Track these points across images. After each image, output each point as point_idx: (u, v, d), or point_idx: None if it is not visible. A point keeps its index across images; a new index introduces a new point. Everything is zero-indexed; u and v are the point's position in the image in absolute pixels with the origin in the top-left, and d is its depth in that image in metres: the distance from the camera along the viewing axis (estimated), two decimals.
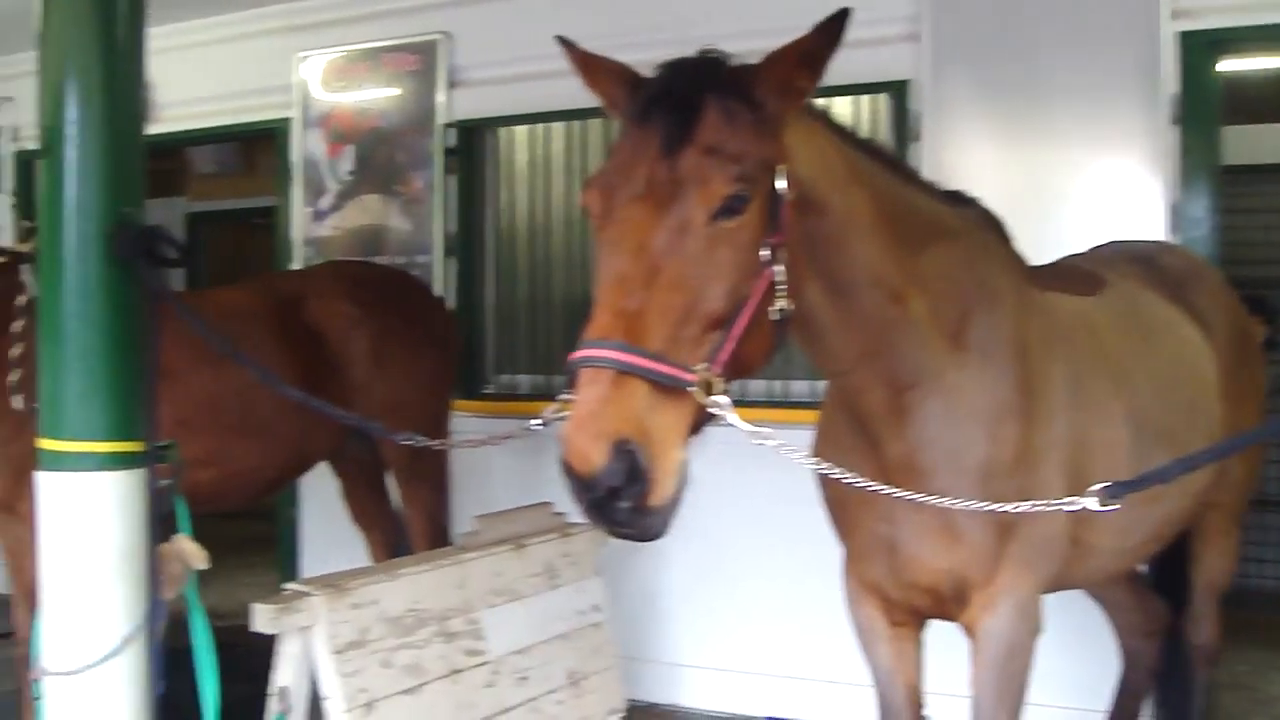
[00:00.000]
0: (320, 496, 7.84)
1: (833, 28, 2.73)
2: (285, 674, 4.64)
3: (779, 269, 2.71)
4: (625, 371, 2.47)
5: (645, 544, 2.63)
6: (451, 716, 5.02)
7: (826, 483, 3.73)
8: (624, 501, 2.46)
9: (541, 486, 6.88)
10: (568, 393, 2.59)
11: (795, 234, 2.80)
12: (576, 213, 7.39)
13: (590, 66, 3.02)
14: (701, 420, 2.61)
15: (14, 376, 5.03)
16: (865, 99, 6.55)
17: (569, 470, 2.47)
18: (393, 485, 6.82)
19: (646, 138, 2.67)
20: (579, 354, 2.53)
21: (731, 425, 2.62)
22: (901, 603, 3.76)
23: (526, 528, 5.73)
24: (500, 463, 7.34)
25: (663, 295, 2.55)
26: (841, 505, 3.73)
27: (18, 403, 4.97)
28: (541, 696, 5.47)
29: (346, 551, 7.00)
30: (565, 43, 3.10)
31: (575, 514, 5.68)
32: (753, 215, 2.66)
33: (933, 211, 3.49)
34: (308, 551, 8.57)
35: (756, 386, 6.72)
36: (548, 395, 7.27)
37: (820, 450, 3.72)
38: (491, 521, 5.59)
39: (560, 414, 2.69)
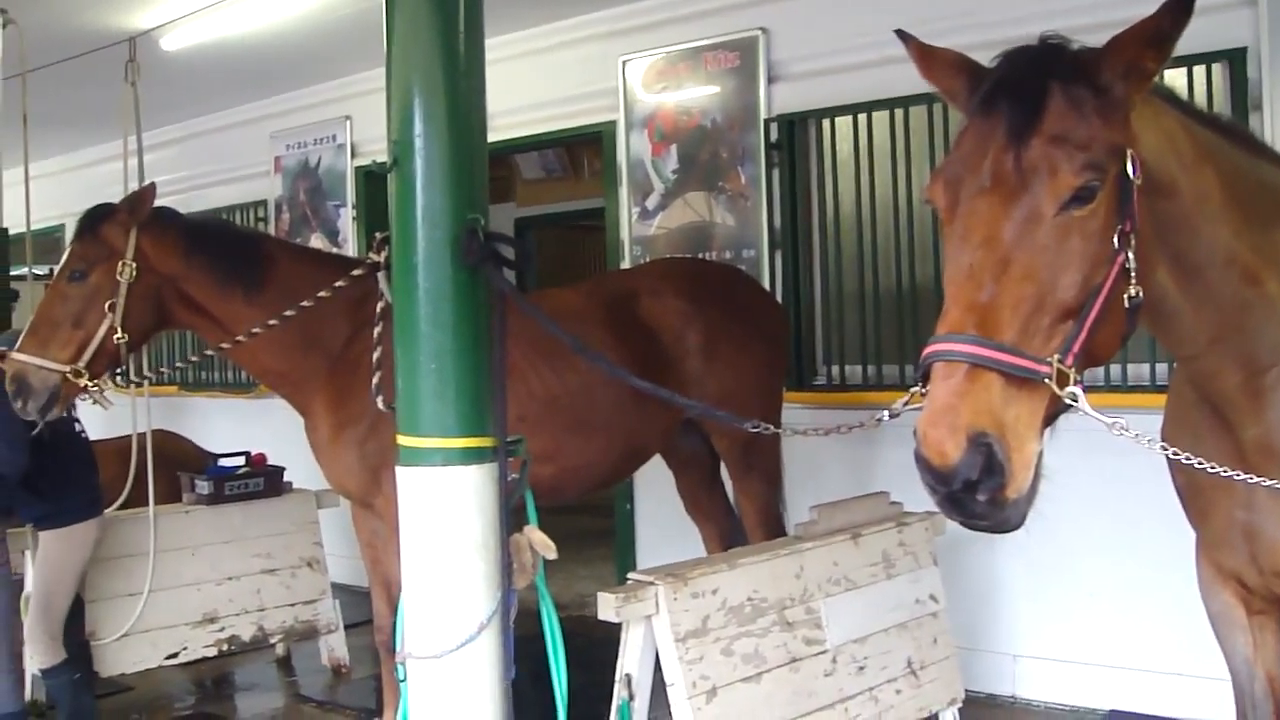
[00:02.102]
0: (655, 490, 8.01)
1: (1181, 5, 2.64)
2: (630, 661, 4.77)
3: (1130, 255, 2.65)
4: (979, 365, 2.46)
5: (997, 535, 2.60)
6: (790, 704, 5.07)
7: (1178, 468, 3.60)
8: (981, 495, 2.44)
9: (874, 476, 6.88)
10: (919, 385, 2.60)
11: (1143, 219, 2.72)
12: (902, 201, 7.33)
13: (928, 58, 2.99)
14: (1055, 412, 2.57)
15: (376, 379, 5.28)
16: (1199, 69, 6.28)
17: (925, 464, 2.46)
18: (726, 478, 6.90)
19: (990, 129, 2.64)
20: (932, 348, 2.53)
21: (1087, 415, 2.58)
22: (1261, 590, 3.61)
23: (863, 517, 5.74)
24: (833, 453, 7.34)
25: (1014, 287, 2.53)
26: (1195, 490, 3.60)
27: (379, 404, 5.21)
28: (880, 686, 5.46)
29: (681, 544, 7.13)
30: (903, 35, 3.08)
31: (911, 503, 5.67)
32: (1103, 203, 2.61)
33: None
34: (643, 544, 8.75)
35: (1094, 370, 6.54)
36: (878, 386, 7.26)
37: (1170, 435, 3.60)
38: (829, 511, 5.61)
39: (912, 406, 2.69)
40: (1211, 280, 3.06)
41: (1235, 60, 6.18)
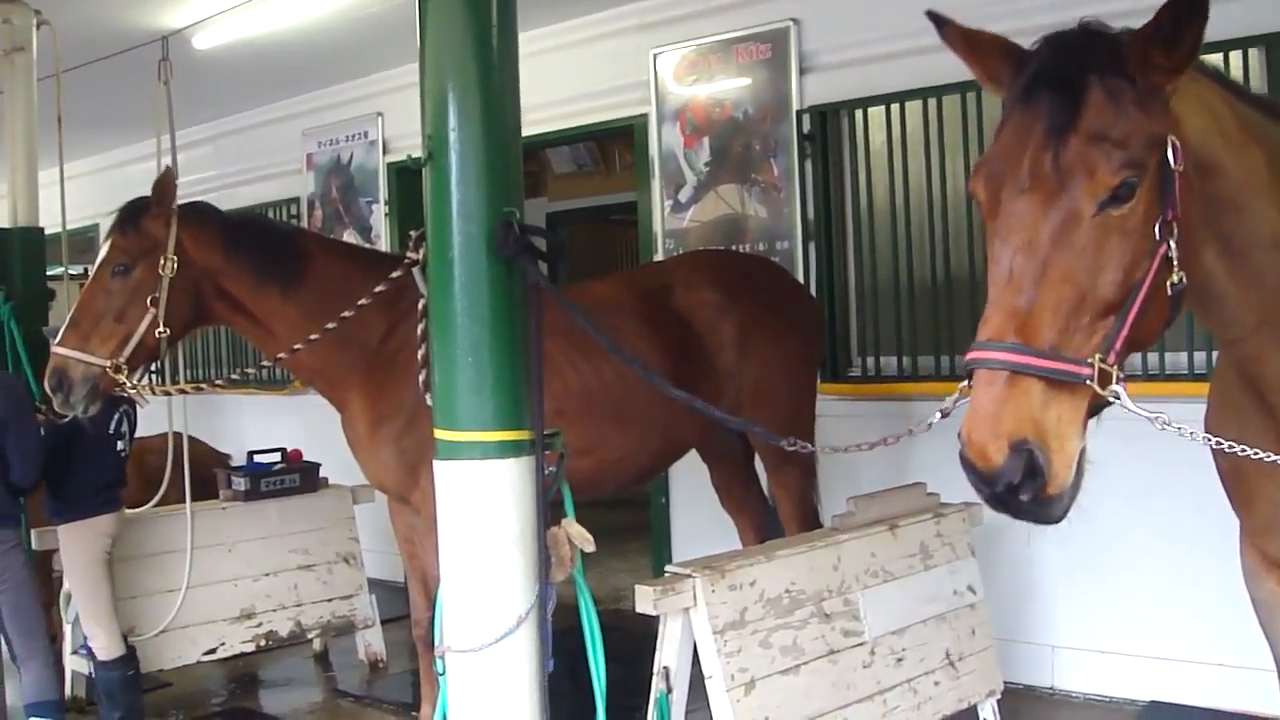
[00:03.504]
0: (690, 483, 7.99)
1: (1179, 6, 2.60)
2: (668, 654, 4.77)
3: (1172, 244, 2.64)
4: (1019, 372, 2.50)
5: (1042, 526, 2.64)
6: (829, 696, 5.06)
7: (1222, 454, 3.57)
8: (1024, 495, 2.50)
9: (910, 467, 6.84)
10: (967, 383, 2.63)
11: (1188, 202, 2.71)
12: (936, 191, 7.30)
13: (966, 41, 2.96)
14: (1098, 405, 2.60)
15: (424, 375, 5.27)
16: (1235, 54, 6.21)
17: (970, 466, 2.51)
18: (761, 470, 6.89)
19: (1030, 124, 2.64)
20: (973, 355, 2.57)
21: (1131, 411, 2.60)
22: None
23: (900, 509, 5.71)
24: None
25: (1054, 290, 2.55)
26: (1239, 477, 3.56)
27: (429, 400, 5.23)
28: (919, 677, 5.45)
29: (716, 537, 7.11)
30: (935, 18, 3.04)
31: (948, 494, 5.64)
32: (1143, 199, 2.61)
33: None
34: (679, 537, 8.74)
35: (1131, 360, 6.47)
36: (913, 377, 7.23)
37: (1214, 421, 3.57)
38: (866, 503, 5.59)
39: (960, 400, 2.73)
40: (1259, 262, 3.03)
41: (1272, 45, 6.13)
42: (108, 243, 5.74)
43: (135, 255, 5.64)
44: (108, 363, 5.57)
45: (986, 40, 2.92)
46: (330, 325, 5.60)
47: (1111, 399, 2.56)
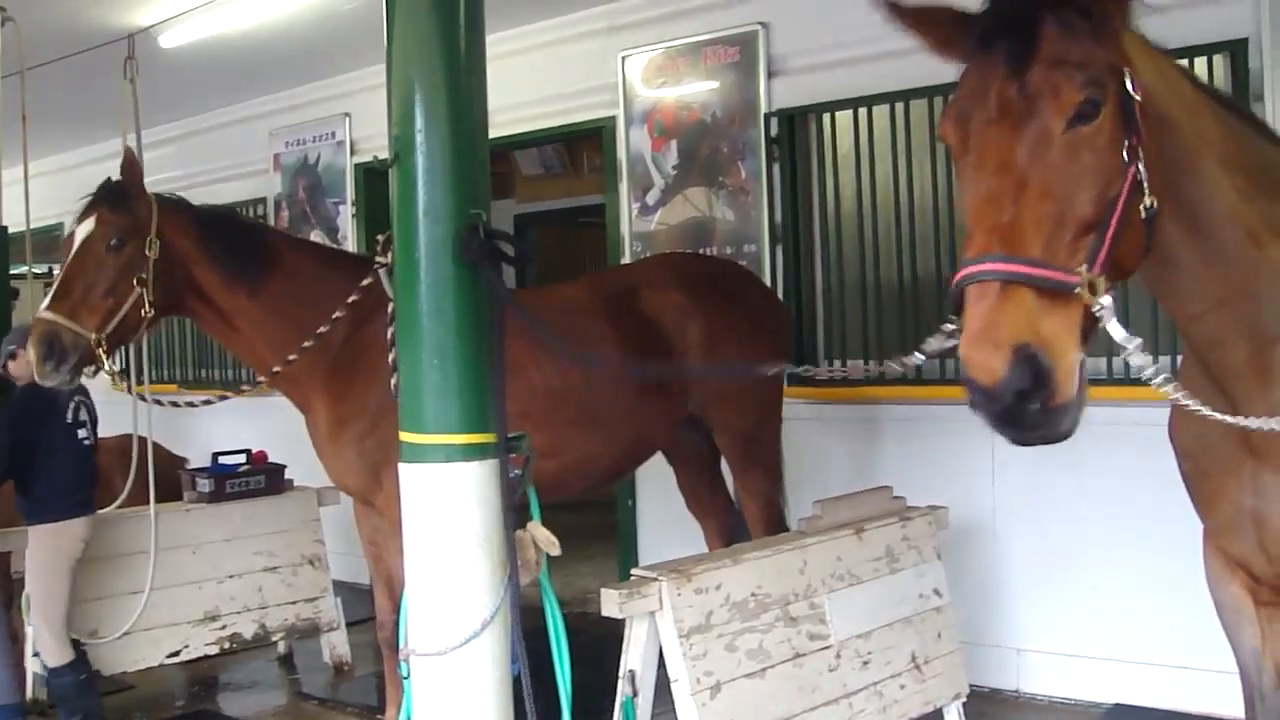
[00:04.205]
0: (657, 486, 7.99)
1: None
2: (633, 657, 4.76)
3: (1141, 167, 2.69)
4: (1011, 281, 2.49)
5: (1050, 447, 2.62)
6: (795, 699, 5.06)
7: (1185, 454, 3.59)
8: (1032, 404, 2.46)
9: (876, 470, 6.86)
10: (952, 319, 2.65)
11: (1150, 138, 2.76)
12: (902, 195, 7.31)
13: (913, 16, 2.97)
14: (1088, 326, 2.60)
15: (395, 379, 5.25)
16: (1200, 60, 6.25)
17: (974, 385, 2.47)
18: (728, 473, 6.89)
19: (992, 63, 2.68)
20: (962, 273, 2.56)
21: (1113, 333, 2.63)
22: (1270, 579, 3.57)
23: (866, 512, 5.72)
24: (835, 447, 7.34)
25: (1034, 205, 2.57)
26: (1202, 476, 3.57)
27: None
28: (884, 680, 5.45)
29: (683, 540, 7.11)
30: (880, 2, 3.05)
31: (914, 497, 5.64)
32: (1108, 117, 2.66)
33: None
34: (645, 540, 8.74)
35: (1098, 363, 6.51)
36: (880, 380, 7.24)
37: (1177, 421, 3.59)
38: (832, 506, 5.60)
39: (944, 342, 2.79)
40: (1216, 232, 3.06)
41: (1237, 52, 6.17)
42: (92, 217, 5.65)
43: (128, 232, 5.58)
44: (93, 336, 5.50)
45: (933, 10, 2.95)
46: (307, 344, 5.61)
47: (1098, 310, 2.57)
